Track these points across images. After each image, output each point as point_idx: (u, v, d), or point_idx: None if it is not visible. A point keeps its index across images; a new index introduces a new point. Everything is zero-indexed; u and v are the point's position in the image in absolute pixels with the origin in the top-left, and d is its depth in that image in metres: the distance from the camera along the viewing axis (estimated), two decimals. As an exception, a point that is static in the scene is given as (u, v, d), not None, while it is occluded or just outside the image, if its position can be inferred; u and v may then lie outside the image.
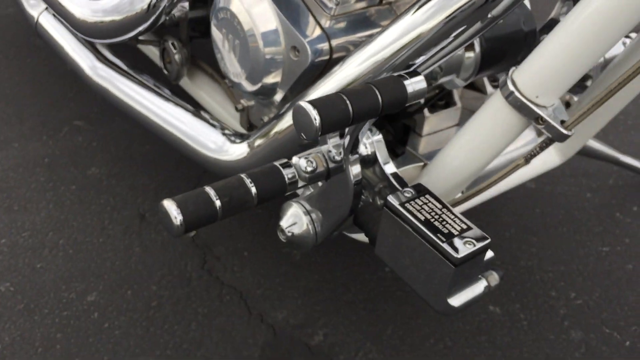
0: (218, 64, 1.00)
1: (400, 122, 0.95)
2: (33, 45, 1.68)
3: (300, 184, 0.70)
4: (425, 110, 0.91)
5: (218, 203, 0.64)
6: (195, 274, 1.14)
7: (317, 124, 0.53)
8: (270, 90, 0.89)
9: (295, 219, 0.79)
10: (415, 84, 0.58)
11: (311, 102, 0.53)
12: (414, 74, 0.58)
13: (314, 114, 0.53)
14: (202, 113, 1.00)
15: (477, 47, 0.83)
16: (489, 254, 0.70)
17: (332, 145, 0.72)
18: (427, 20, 0.70)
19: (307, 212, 0.78)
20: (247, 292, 1.12)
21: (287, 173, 0.68)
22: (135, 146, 1.40)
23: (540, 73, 0.66)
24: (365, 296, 1.12)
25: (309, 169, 0.69)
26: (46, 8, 1.11)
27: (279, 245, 1.20)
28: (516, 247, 1.22)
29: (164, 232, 1.22)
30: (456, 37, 0.70)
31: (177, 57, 1.16)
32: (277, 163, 0.69)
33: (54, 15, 1.10)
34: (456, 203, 0.79)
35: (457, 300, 0.68)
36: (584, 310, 1.12)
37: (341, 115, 0.54)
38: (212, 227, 1.23)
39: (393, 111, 0.59)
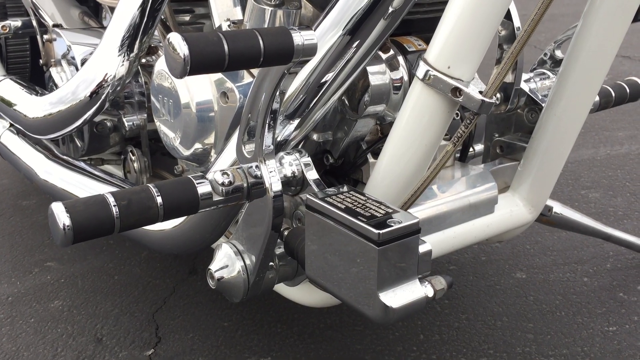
0: (176, 173, 1.00)
1: (348, 177, 0.90)
2: (19, 206, 1.72)
3: (216, 198, 0.65)
4: (369, 156, 0.88)
5: (115, 208, 0.59)
6: (148, 390, 1.01)
7: (185, 59, 0.50)
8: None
9: (227, 261, 0.73)
10: (305, 37, 0.56)
11: (183, 36, 0.50)
12: (306, 28, 0.56)
13: (183, 48, 0.50)
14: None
15: (406, 76, 0.82)
16: (426, 246, 0.62)
17: (255, 165, 0.69)
18: (328, 31, 0.70)
19: (239, 252, 0.73)
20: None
21: (201, 186, 0.64)
22: (104, 277, 1.35)
23: (445, 45, 0.67)
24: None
25: (225, 181, 0.66)
26: (8, 127, 1.15)
27: (243, 356, 1.08)
28: (510, 334, 1.07)
29: (120, 353, 1.11)
30: (363, 38, 0.70)
31: (135, 164, 1.16)
32: (191, 176, 0.65)
33: (12, 132, 1.14)
34: (403, 205, 0.72)
35: (392, 299, 0.59)
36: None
37: (215, 55, 0.51)
38: (172, 342, 1.12)
39: (279, 64, 0.55)
